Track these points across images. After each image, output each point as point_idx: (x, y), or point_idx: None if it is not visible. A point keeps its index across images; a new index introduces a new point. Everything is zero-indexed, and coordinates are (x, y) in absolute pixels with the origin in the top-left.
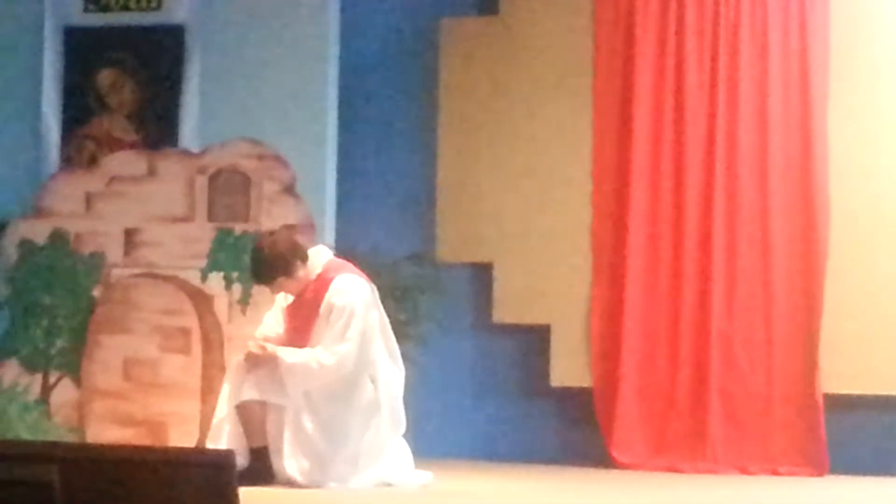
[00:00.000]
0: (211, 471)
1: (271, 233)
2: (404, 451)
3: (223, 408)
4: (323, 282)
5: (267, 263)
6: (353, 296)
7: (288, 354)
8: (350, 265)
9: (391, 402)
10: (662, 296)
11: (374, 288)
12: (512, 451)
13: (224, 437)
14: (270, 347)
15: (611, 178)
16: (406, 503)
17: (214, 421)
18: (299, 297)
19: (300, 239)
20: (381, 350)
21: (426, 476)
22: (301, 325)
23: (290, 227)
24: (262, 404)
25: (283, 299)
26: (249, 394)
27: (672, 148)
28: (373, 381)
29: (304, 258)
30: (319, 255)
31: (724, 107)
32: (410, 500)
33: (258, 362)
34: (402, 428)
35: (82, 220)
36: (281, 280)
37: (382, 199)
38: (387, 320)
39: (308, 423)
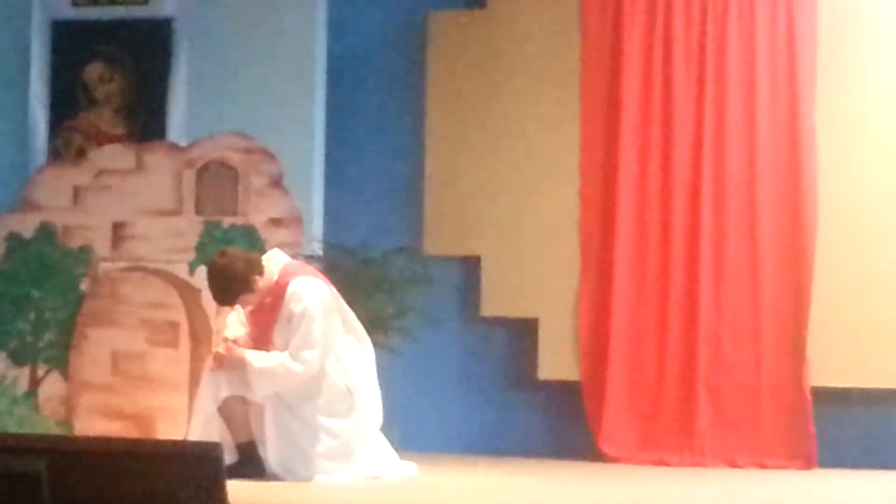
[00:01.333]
0: (198, 463)
1: (222, 253)
2: (385, 444)
3: (204, 406)
4: (280, 287)
5: (226, 286)
6: (310, 299)
7: (256, 359)
8: (307, 267)
9: (367, 392)
10: (650, 289)
11: (332, 288)
12: (500, 444)
13: (214, 432)
14: (238, 351)
15: (598, 172)
16: (393, 497)
17: (195, 420)
18: (260, 303)
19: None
20: (348, 343)
21: (411, 468)
22: (262, 330)
23: (277, 221)
24: (243, 400)
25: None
26: (227, 391)
27: (660, 142)
28: (343, 378)
29: (261, 271)
30: (275, 260)
31: (712, 102)
32: (398, 494)
33: (225, 364)
34: (380, 414)
35: (70, 214)
36: (242, 297)
37: (370, 192)
38: (350, 312)
39: (288, 420)
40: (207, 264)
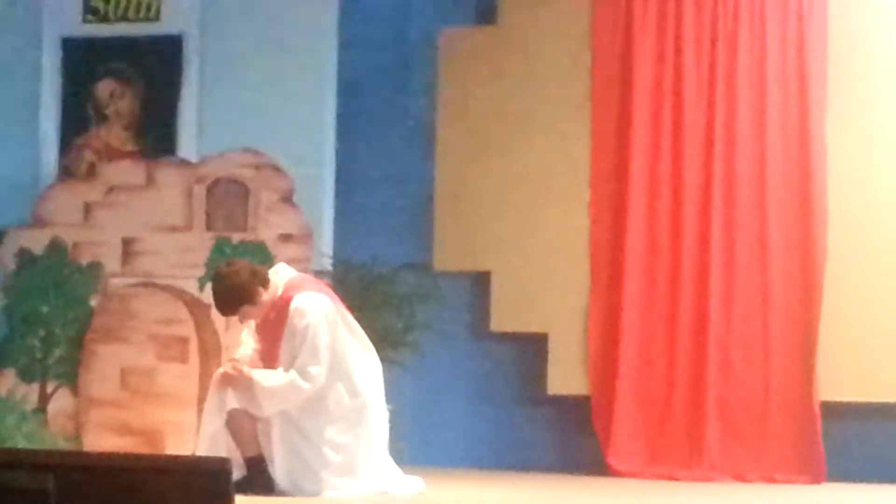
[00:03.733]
0: (207, 479)
1: (229, 263)
2: (389, 459)
3: (211, 422)
4: (284, 302)
5: (228, 295)
6: (313, 314)
7: (264, 378)
8: (311, 280)
9: (375, 406)
10: (660, 304)
11: (337, 301)
12: (509, 459)
13: (221, 448)
14: (246, 370)
15: (609, 187)
16: None
17: (202, 436)
18: (265, 318)
19: (260, 267)
20: (356, 356)
21: (419, 483)
22: (269, 345)
23: (287, 237)
24: (250, 414)
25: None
26: (233, 404)
27: (670, 156)
28: (350, 392)
29: (265, 283)
30: (280, 275)
31: (723, 113)
32: None
33: (233, 383)
34: (386, 428)
35: (80, 230)
36: (245, 309)
37: (380, 207)
38: (356, 326)
39: (295, 436)
40: (213, 274)
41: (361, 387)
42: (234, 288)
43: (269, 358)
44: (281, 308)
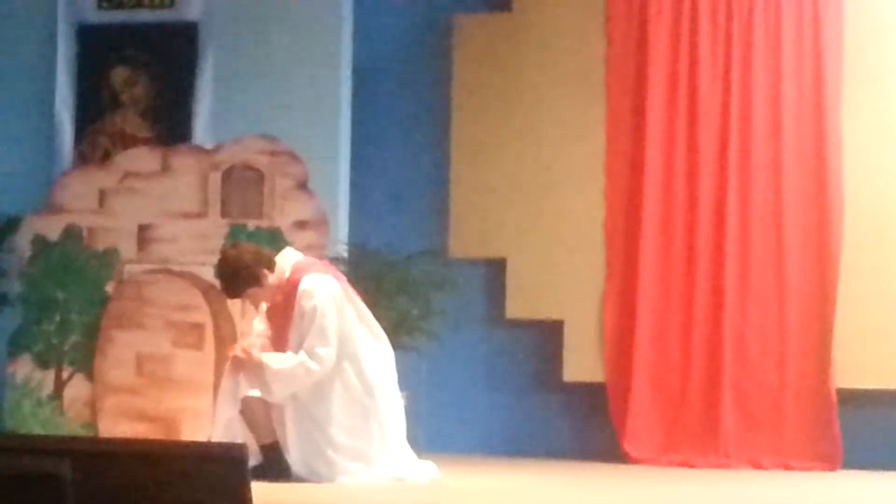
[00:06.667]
0: (223, 465)
1: (234, 245)
2: (405, 444)
3: (225, 409)
4: (292, 285)
5: (233, 277)
6: (320, 296)
7: (274, 361)
8: (319, 263)
9: (385, 390)
10: (676, 291)
11: (345, 282)
12: (524, 446)
13: (236, 435)
14: (255, 354)
15: (624, 174)
16: (417, 498)
17: (219, 421)
18: (274, 302)
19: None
20: (364, 339)
21: (433, 468)
22: (278, 329)
23: (302, 223)
24: (265, 401)
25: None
26: (245, 390)
27: (685, 143)
28: (358, 374)
29: (271, 265)
30: (287, 258)
31: (738, 102)
32: (422, 495)
33: (243, 367)
34: (402, 414)
35: (96, 217)
36: (251, 291)
37: (395, 194)
38: (365, 308)
39: (307, 421)
40: (219, 257)
41: (369, 370)
42: (239, 270)
43: (278, 342)
44: (289, 291)
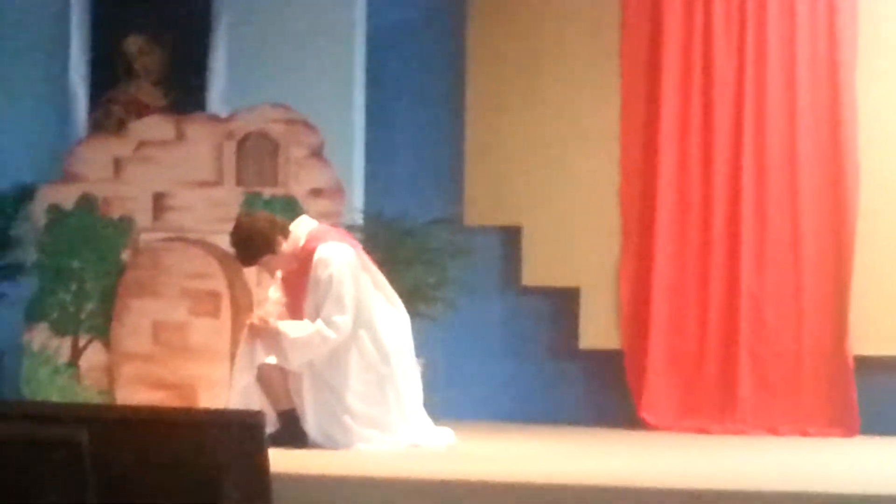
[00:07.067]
0: (240, 432)
1: (248, 213)
2: (421, 411)
3: (242, 376)
4: (307, 253)
5: (248, 244)
6: (336, 264)
7: (290, 329)
8: (333, 231)
9: (401, 356)
10: (692, 257)
11: (360, 250)
12: (541, 413)
13: (253, 402)
14: (272, 322)
15: (639, 140)
16: (435, 465)
17: (234, 391)
18: (289, 270)
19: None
20: (380, 306)
21: (449, 434)
22: (294, 298)
23: (318, 192)
24: (281, 368)
25: (282, 272)
26: (262, 357)
27: (700, 109)
28: (374, 341)
29: (286, 233)
30: (301, 226)
31: (753, 69)
32: (439, 462)
33: (260, 335)
34: (418, 381)
35: (111, 185)
36: (266, 258)
37: (410, 162)
38: (381, 276)
39: (324, 389)
40: (233, 225)
41: (385, 337)
42: (253, 236)
43: (294, 310)
44: (304, 259)
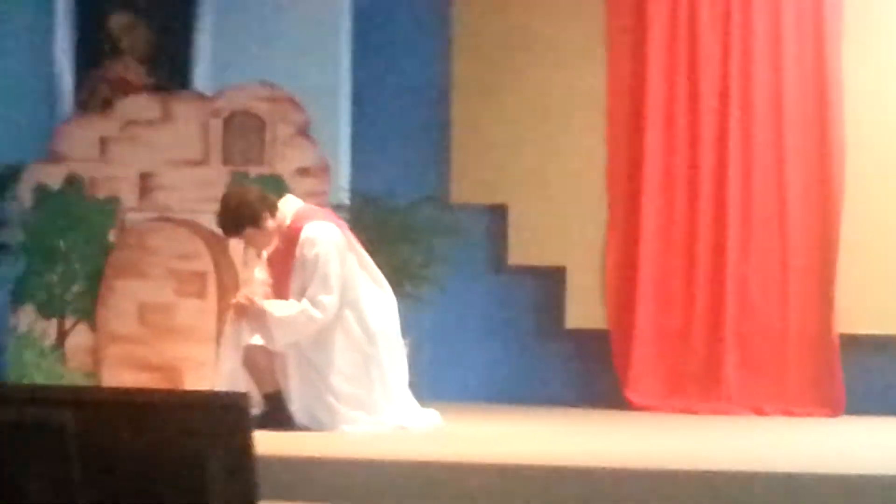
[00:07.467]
0: (226, 413)
1: (240, 184)
2: (407, 392)
3: (227, 357)
4: (293, 232)
5: (233, 213)
6: (323, 244)
7: (276, 308)
8: (320, 211)
9: (387, 337)
10: (678, 237)
11: (346, 229)
12: (527, 393)
13: (240, 384)
14: (258, 301)
15: (625, 120)
16: (421, 446)
17: (220, 373)
18: (275, 249)
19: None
20: (366, 287)
21: (435, 416)
22: (280, 277)
23: (304, 170)
24: (267, 350)
25: (267, 251)
26: (248, 338)
27: (687, 89)
28: (359, 322)
29: (273, 209)
30: (288, 205)
31: (738, 45)
32: (425, 444)
33: (246, 314)
34: (404, 362)
35: (97, 165)
36: (249, 231)
37: (397, 140)
38: (367, 256)
39: (309, 370)
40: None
41: (371, 318)
42: (240, 206)
43: (280, 290)
44: (290, 238)
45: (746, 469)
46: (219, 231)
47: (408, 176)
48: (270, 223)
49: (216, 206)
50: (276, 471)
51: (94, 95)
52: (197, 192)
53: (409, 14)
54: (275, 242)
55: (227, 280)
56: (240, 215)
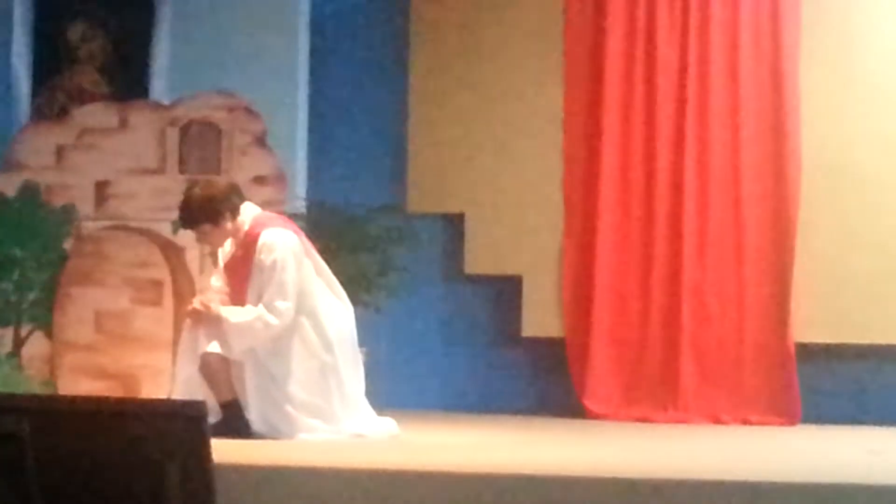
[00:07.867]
0: (182, 422)
1: (209, 180)
2: (364, 401)
3: (184, 365)
4: (251, 238)
5: (195, 206)
6: (280, 250)
7: (232, 314)
8: (278, 218)
9: (344, 346)
10: (634, 246)
11: (304, 237)
12: (483, 401)
13: (196, 392)
14: (214, 307)
15: (581, 128)
16: (378, 455)
17: (179, 379)
18: (232, 256)
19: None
20: (323, 294)
21: (392, 425)
22: (237, 284)
23: (261, 179)
24: (224, 358)
25: (223, 259)
26: (204, 346)
27: (643, 98)
28: (316, 329)
29: (235, 211)
30: (246, 212)
31: (696, 56)
32: (382, 452)
33: (202, 320)
34: (361, 371)
35: (53, 173)
36: (206, 227)
37: (353, 150)
38: (323, 264)
39: (266, 377)
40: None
41: (328, 326)
42: (203, 200)
43: (237, 298)
44: (248, 245)
45: (704, 478)
46: (174, 241)
47: (364, 185)
48: (229, 225)
49: (172, 215)
50: (232, 479)
51: (51, 103)
52: (153, 201)
53: (367, 25)
54: (230, 246)
55: (184, 288)
56: (200, 209)
